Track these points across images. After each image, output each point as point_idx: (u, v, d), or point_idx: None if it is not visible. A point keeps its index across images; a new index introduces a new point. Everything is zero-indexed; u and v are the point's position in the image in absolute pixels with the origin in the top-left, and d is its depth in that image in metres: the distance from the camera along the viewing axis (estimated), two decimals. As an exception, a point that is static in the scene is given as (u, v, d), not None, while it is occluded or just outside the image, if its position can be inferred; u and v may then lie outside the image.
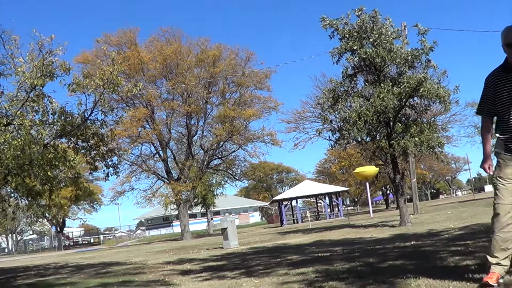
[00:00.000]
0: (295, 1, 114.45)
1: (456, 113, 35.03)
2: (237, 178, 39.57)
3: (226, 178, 39.96)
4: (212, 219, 45.85)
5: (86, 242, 61.75)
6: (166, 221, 63.87)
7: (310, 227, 23.71)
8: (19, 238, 63.39)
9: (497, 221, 3.72)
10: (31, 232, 63.95)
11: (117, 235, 64.91)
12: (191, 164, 33.87)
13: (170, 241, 32.66)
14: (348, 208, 61.60)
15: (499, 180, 3.72)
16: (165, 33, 34.07)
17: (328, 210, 40.16)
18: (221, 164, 37.81)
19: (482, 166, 3.85)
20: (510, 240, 3.72)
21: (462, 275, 4.62)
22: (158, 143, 34.07)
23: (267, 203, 63.99)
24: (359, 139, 16.03)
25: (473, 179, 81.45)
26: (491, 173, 3.81)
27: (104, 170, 13.03)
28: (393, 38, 15.09)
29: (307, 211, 43.65)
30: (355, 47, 14.74)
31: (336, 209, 40.15)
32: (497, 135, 3.86)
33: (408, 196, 30.51)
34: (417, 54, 14.74)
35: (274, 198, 45.33)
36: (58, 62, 10.82)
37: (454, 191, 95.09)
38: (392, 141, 14.94)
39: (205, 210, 46.93)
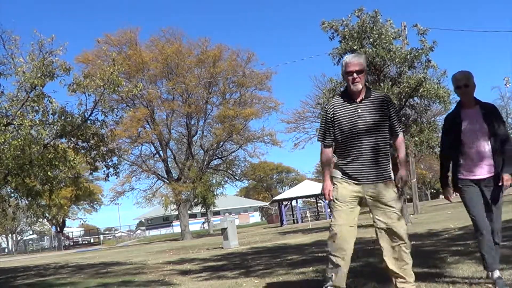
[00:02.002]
0: (295, 1, 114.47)
1: (456, 113, 34.98)
2: (237, 178, 39.58)
3: (226, 178, 39.96)
4: (206, 219, 45.85)
5: (86, 242, 61.73)
6: (166, 221, 63.86)
7: (310, 227, 23.72)
8: (19, 238, 63.39)
9: (333, 242, 3.78)
10: (31, 232, 63.93)
11: (117, 235, 64.89)
12: (191, 164, 33.87)
13: (170, 241, 32.67)
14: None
15: (336, 203, 3.79)
16: (166, 33, 34.12)
17: (328, 210, 40.14)
18: (221, 164, 37.80)
19: (323, 191, 3.91)
20: (346, 261, 3.77)
21: (462, 275, 4.62)
22: (158, 143, 34.08)
23: (267, 203, 63.96)
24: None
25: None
26: (331, 198, 3.87)
27: (104, 171, 13.04)
28: (393, 38, 15.09)
29: (307, 211, 43.63)
30: (355, 47, 14.74)
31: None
32: (335, 160, 3.93)
33: (408, 196, 30.49)
34: (416, 54, 14.74)
35: (274, 198, 45.32)
36: (58, 62, 10.83)
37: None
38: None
39: (205, 210, 46.94)
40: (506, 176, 3.95)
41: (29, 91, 10.76)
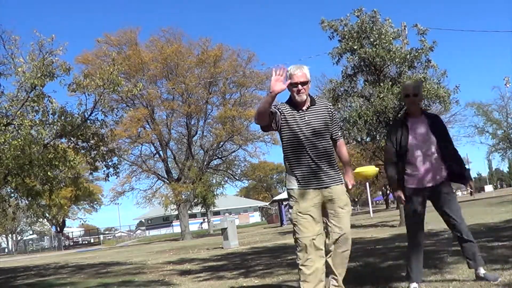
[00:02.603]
0: (296, 1, 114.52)
1: (456, 113, 35.00)
2: (237, 178, 39.55)
3: (226, 178, 39.93)
4: (204, 220, 45.79)
5: (86, 242, 61.71)
6: (166, 221, 63.83)
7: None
8: (19, 238, 63.36)
9: (304, 254, 3.78)
10: (31, 232, 63.90)
11: (117, 235, 64.88)
12: (191, 164, 33.86)
13: (170, 241, 32.67)
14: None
15: (299, 215, 3.77)
16: (166, 33, 34.11)
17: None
18: (221, 164, 37.80)
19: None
20: (320, 271, 3.77)
21: (462, 275, 4.62)
22: (158, 143, 34.07)
23: (267, 203, 63.94)
24: (359, 139, 16.02)
25: (473, 179, 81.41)
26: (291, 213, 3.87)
27: (104, 170, 13.05)
28: (392, 38, 15.09)
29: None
30: (355, 47, 14.75)
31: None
32: (288, 174, 3.91)
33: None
34: (416, 54, 14.74)
35: (274, 198, 45.28)
36: (58, 62, 10.84)
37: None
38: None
39: (205, 210, 46.93)
40: (471, 183, 4.27)
41: (29, 91, 10.77)
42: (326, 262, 3.85)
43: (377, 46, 14.54)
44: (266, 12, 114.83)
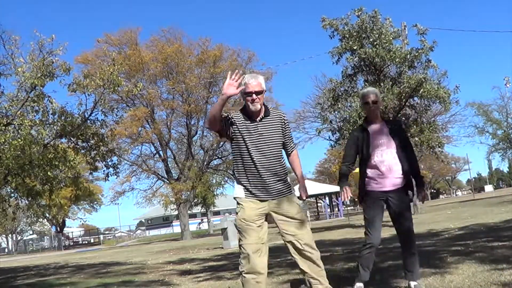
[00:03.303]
0: (296, 1, 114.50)
1: (456, 113, 35.01)
2: (237, 178, 39.51)
3: (226, 178, 39.94)
4: (202, 220, 45.67)
5: (86, 242, 61.72)
6: (166, 221, 63.85)
7: (310, 227, 23.69)
8: (19, 238, 63.34)
9: (248, 262, 3.77)
10: (31, 232, 63.88)
11: (117, 235, 64.86)
12: (191, 164, 33.85)
13: (170, 241, 32.66)
14: (348, 208, 61.56)
15: (244, 222, 3.78)
16: (166, 33, 34.13)
17: (328, 210, 40.16)
18: (221, 164, 37.79)
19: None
20: (263, 279, 3.81)
21: (462, 275, 4.62)
22: (158, 143, 34.07)
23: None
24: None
25: (473, 179, 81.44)
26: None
27: (104, 170, 13.05)
28: (393, 38, 15.10)
29: (307, 211, 43.60)
30: (355, 47, 14.75)
31: (336, 209, 40.13)
32: (236, 183, 3.91)
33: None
34: (416, 54, 14.74)
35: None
36: (58, 62, 10.83)
37: (454, 191, 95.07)
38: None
39: (205, 210, 46.92)
40: (424, 192, 4.29)
41: (29, 91, 10.77)
42: (301, 269, 3.90)
43: (377, 46, 14.55)
44: (266, 12, 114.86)
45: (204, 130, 35.31)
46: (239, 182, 3.85)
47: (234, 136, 3.81)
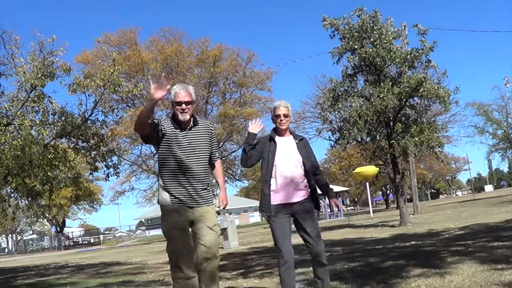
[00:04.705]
0: (296, 1, 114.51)
1: (456, 113, 35.03)
2: (237, 178, 39.54)
3: (226, 178, 39.95)
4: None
5: (86, 242, 61.67)
6: (166, 221, 63.75)
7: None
8: (19, 238, 63.35)
9: (177, 269, 3.80)
10: (31, 232, 63.89)
11: (117, 235, 64.84)
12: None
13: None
14: (348, 208, 61.59)
15: (171, 229, 3.82)
16: (166, 33, 34.13)
17: (328, 210, 40.15)
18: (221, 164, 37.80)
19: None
20: (194, 284, 3.83)
21: (462, 275, 4.63)
22: (158, 143, 34.06)
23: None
24: (359, 139, 16.01)
25: (473, 179, 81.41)
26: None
27: (104, 170, 13.03)
28: (393, 38, 15.09)
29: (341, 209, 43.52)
30: (355, 47, 14.75)
31: (336, 209, 40.13)
32: (162, 189, 3.91)
33: (408, 196, 30.48)
34: (417, 54, 14.74)
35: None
36: (58, 63, 10.83)
37: (454, 191, 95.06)
38: (392, 141, 14.94)
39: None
40: (335, 199, 4.49)
41: (29, 91, 10.76)
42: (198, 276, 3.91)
43: (377, 46, 14.54)
44: (266, 12, 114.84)
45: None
46: (164, 189, 3.87)
47: (163, 143, 3.84)
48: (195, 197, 3.85)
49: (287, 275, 4.03)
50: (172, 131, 3.85)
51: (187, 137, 3.86)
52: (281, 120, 4.21)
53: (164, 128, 3.83)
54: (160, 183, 3.93)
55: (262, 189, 4.21)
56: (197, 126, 3.95)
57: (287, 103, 4.29)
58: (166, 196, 3.85)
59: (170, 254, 3.88)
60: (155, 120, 3.86)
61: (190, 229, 3.89)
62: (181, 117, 3.84)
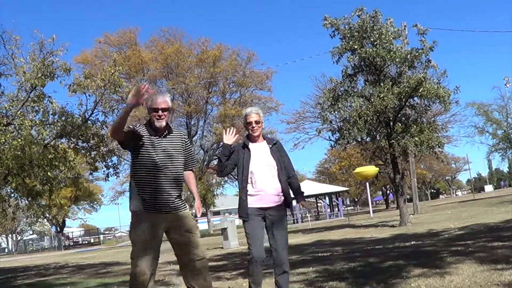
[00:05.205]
0: (296, 1, 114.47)
1: (456, 113, 35.04)
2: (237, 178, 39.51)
3: (226, 178, 39.93)
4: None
5: (86, 242, 61.65)
6: (166, 221, 63.74)
7: (310, 227, 23.74)
8: (19, 238, 63.36)
9: (138, 279, 3.75)
10: (31, 232, 63.84)
11: (117, 235, 64.76)
12: (191, 164, 33.87)
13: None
14: (348, 208, 61.60)
15: (141, 236, 3.77)
16: (166, 33, 34.14)
17: (328, 210, 40.16)
18: (221, 164, 37.80)
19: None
20: None
21: (462, 275, 4.63)
22: (158, 143, 34.07)
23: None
24: (359, 139, 16.02)
25: (473, 179, 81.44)
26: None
27: (104, 171, 13.04)
28: (393, 38, 15.10)
29: (307, 211, 43.58)
30: (355, 47, 14.75)
31: (336, 209, 40.14)
32: (134, 195, 3.89)
33: (408, 196, 30.49)
34: (417, 54, 14.75)
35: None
36: (58, 63, 10.83)
37: (454, 191, 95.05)
38: (392, 141, 14.95)
39: (205, 210, 46.90)
40: (303, 203, 4.57)
41: (30, 92, 10.77)
42: (186, 278, 3.92)
43: (377, 46, 14.55)
44: (266, 12, 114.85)
45: (204, 130, 35.39)
46: (137, 194, 3.86)
47: (139, 149, 3.85)
48: (169, 203, 3.84)
49: (255, 273, 4.18)
50: (147, 137, 3.87)
51: (162, 144, 3.89)
52: (253, 127, 4.31)
53: (140, 134, 3.85)
54: (133, 189, 3.90)
55: (239, 196, 4.29)
56: (171, 134, 3.99)
57: (258, 110, 4.40)
58: (138, 202, 3.84)
59: (133, 261, 3.78)
60: (130, 126, 3.90)
61: (160, 237, 3.86)
62: (157, 123, 3.88)
